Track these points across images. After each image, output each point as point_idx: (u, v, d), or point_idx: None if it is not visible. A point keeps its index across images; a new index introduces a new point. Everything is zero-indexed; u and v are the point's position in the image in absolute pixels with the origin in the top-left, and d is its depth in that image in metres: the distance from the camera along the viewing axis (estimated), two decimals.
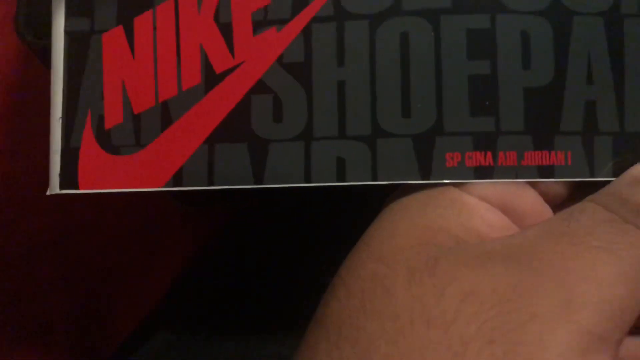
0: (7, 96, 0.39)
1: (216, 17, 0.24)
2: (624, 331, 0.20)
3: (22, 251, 0.42)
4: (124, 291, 0.43)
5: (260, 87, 0.24)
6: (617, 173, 0.23)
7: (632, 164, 0.23)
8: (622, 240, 0.21)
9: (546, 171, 0.23)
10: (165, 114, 0.24)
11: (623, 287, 0.20)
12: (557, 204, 0.24)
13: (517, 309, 0.20)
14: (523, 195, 0.23)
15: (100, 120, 0.24)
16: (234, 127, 0.24)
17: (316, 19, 0.23)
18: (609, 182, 0.23)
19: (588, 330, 0.19)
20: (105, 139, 0.24)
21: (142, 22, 0.25)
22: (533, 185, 0.24)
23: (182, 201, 0.38)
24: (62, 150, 0.25)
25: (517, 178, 0.23)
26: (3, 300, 0.42)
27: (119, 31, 0.25)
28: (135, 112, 0.24)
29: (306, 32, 0.23)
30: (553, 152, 0.23)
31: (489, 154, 0.23)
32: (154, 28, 0.24)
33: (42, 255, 0.43)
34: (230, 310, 0.38)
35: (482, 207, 0.23)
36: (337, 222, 0.33)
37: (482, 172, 0.23)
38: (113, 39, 0.25)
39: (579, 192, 0.24)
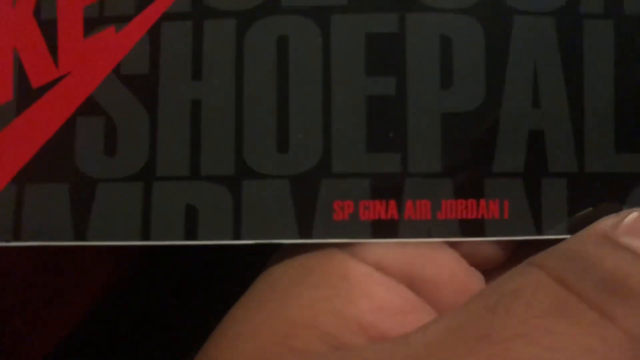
0: None
1: (37, 12, 0.20)
2: None
3: None
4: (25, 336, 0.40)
5: (89, 106, 0.19)
6: (575, 229, 0.18)
7: (597, 217, 0.18)
8: (576, 344, 0.14)
9: (472, 227, 0.19)
10: None
11: None
12: (490, 268, 0.19)
13: None
14: (438, 260, 0.19)
15: None
16: (52, 161, 0.19)
17: (167, 16, 0.20)
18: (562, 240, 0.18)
19: None
20: None
21: None
22: (454, 245, 0.19)
23: None
24: None
25: (430, 237, 0.19)
26: None
27: None
28: None
29: (153, 33, 0.20)
30: (482, 201, 0.19)
31: (392, 203, 0.19)
32: None
33: None
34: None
35: (374, 282, 0.18)
36: None
37: (383, 229, 0.19)
38: None
39: (521, 252, 0.19)
